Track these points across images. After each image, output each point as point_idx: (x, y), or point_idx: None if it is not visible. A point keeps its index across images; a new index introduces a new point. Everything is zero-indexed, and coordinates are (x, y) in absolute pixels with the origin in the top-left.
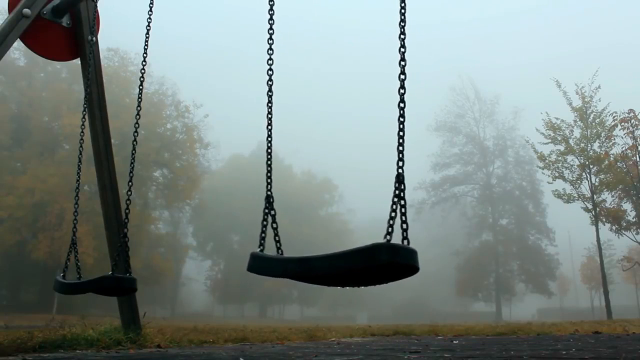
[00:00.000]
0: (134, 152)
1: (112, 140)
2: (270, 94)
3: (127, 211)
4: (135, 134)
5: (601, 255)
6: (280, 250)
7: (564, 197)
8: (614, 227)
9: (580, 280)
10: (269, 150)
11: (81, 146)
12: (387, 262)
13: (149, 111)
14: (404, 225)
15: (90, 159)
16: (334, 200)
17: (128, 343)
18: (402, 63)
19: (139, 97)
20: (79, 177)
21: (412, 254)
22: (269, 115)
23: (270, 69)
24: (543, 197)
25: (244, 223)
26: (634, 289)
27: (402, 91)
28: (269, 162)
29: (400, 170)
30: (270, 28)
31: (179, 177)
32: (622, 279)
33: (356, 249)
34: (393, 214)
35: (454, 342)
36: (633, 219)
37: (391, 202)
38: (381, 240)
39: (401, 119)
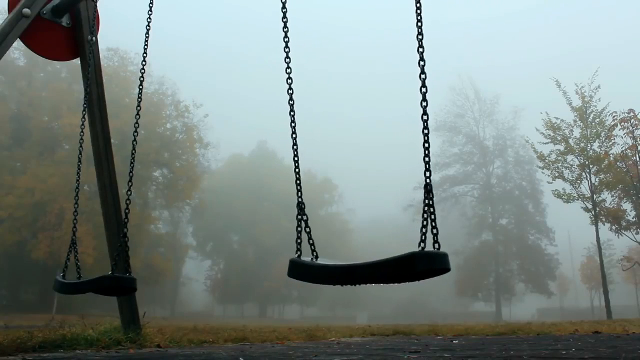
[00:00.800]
0: (134, 152)
1: (112, 140)
2: (291, 102)
3: (127, 211)
4: (135, 134)
5: (601, 255)
6: (315, 253)
7: (564, 197)
8: (614, 227)
9: (580, 280)
10: (296, 159)
11: (81, 146)
12: (425, 268)
13: (149, 111)
14: (434, 231)
15: (90, 159)
16: (334, 200)
17: (128, 343)
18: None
19: (139, 97)
20: (79, 177)
21: (445, 258)
22: (293, 124)
23: (290, 78)
24: (543, 197)
25: (244, 223)
26: (634, 289)
27: (424, 104)
28: (297, 170)
29: (428, 181)
30: (286, 36)
31: (179, 177)
32: (622, 279)
33: (396, 257)
34: (425, 223)
35: (454, 342)
36: (633, 219)
37: (422, 212)
38: (413, 248)
39: (425, 132)
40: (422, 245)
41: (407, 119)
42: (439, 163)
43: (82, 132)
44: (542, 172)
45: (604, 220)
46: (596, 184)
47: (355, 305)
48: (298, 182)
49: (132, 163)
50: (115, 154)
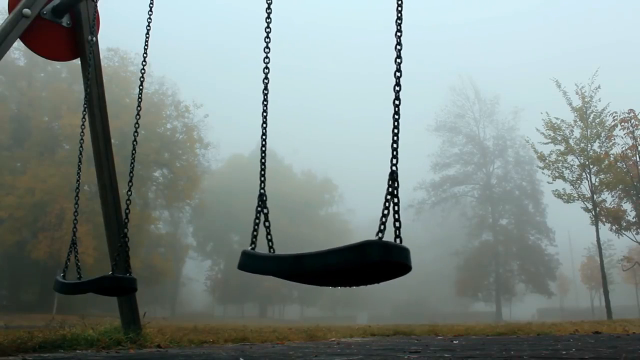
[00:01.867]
0: (134, 152)
1: (112, 140)
2: (265, 92)
3: (127, 211)
4: (135, 134)
5: (601, 255)
6: (272, 249)
7: (564, 197)
8: (614, 227)
9: (580, 280)
10: (263, 149)
11: (81, 146)
12: (379, 259)
13: (149, 111)
14: (397, 224)
15: (90, 159)
16: (334, 200)
17: (128, 343)
18: (398, 60)
19: (139, 97)
20: (79, 177)
21: (404, 252)
22: (264, 114)
23: (267, 67)
24: (543, 197)
25: (244, 223)
26: (634, 289)
27: (397, 88)
28: (262, 161)
29: (394, 168)
30: (268, 26)
31: (179, 177)
32: (622, 279)
33: (348, 245)
34: (386, 212)
35: (454, 342)
36: (633, 219)
37: (384, 200)
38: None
39: (396, 117)
40: (380, 235)
41: (407, 119)
42: (439, 163)
43: (82, 132)
44: (542, 172)
45: (604, 220)
46: (596, 184)
47: (355, 305)
48: (262, 172)
49: (132, 163)
50: (115, 154)
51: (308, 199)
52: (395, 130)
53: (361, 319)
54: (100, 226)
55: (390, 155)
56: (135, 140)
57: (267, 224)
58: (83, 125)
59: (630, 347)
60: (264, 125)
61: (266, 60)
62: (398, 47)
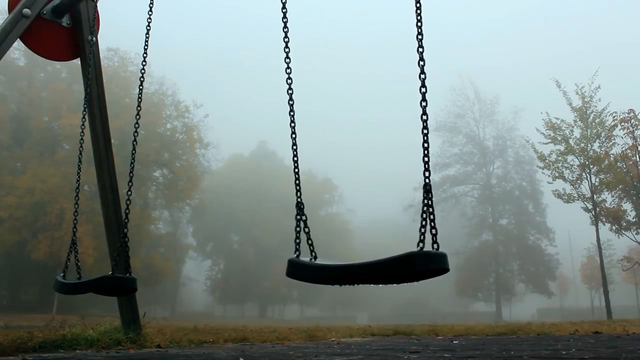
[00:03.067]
0: (134, 152)
1: (112, 140)
2: (291, 102)
3: (127, 211)
4: (135, 134)
5: (601, 255)
6: (313, 253)
7: (564, 197)
8: (614, 227)
9: (580, 280)
10: (296, 159)
11: (81, 146)
12: (423, 268)
13: (149, 111)
14: (433, 231)
15: (90, 159)
16: (334, 200)
17: (128, 343)
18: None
19: (139, 97)
20: (79, 177)
21: (443, 258)
22: (292, 124)
23: (290, 78)
24: (543, 197)
25: (243, 223)
26: (634, 289)
27: (424, 104)
28: (296, 170)
29: (427, 180)
30: (286, 36)
31: (179, 177)
32: (622, 279)
33: (394, 257)
34: (424, 222)
35: (454, 342)
36: (633, 219)
37: (421, 212)
38: (413, 248)
39: (425, 131)
40: (421, 244)
41: (407, 119)
42: (439, 163)
43: (82, 132)
44: (542, 172)
45: (604, 220)
46: (596, 184)
47: (355, 305)
48: (297, 182)
49: (132, 163)
50: (115, 154)
51: (308, 199)
52: (426, 145)
53: (361, 319)
54: (100, 226)
55: (423, 169)
56: (135, 140)
57: (307, 230)
58: (83, 125)
59: (630, 347)
60: (294, 135)
61: (288, 70)
62: (421, 62)
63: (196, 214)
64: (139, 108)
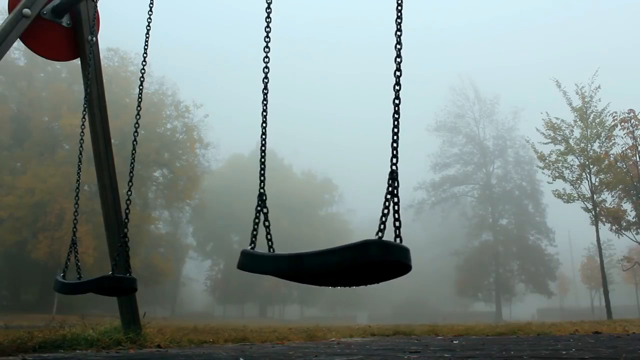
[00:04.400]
0: (134, 152)
1: (112, 140)
2: (265, 91)
3: (127, 211)
4: (135, 134)
5: (601, 255)
6: (271, 249)
7: (564, 197)
8: (614, 227)
9: (580, 280)
10: (263, 148)
11: (81, 146)
12: (378, 259)
13: (149, 111)
14: (397, 223)
15: (90, 159)
16: (334, 200)
17: (128, 343)
18: (398, 59)
19: (139, 97)
20: (79, 177)
21: (404, 252)
22: (264, 113)
23: (267, 67)
24: (543, 197)
25: (244, 223)
26: (634, 289)
27: (397, 87)
28: (262, 160)
29: (394, 167)
30: (267, 26)
31: (179, 177)
32: (622, 279)
33: (347, 245)
34: (385, 211)
35: (454, 342)
36: (633, 219)
37: (384, 199)
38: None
39: (396, 116)
40: (380, 234)
41: (407, 118)
42: (439, 163)
43: (82, 132)
44: (542, 172)
45: (604, 220)
46: (596, 184)
47: (355, 305)
48: (262, 172)
49: (132, 163)
50: (115, 154)
51: (308, 199)
52: (395, 130)
53: (361, 319)
54: (100, 226)
55: (391, 155)
56: (135, 140)
57: (266, 223)
58: (83, 125)
59: (630, 347)
60: (264, 125)
61: (266, 59)
62: (398, 46)
63: (196, 214)
64: (139, 108)
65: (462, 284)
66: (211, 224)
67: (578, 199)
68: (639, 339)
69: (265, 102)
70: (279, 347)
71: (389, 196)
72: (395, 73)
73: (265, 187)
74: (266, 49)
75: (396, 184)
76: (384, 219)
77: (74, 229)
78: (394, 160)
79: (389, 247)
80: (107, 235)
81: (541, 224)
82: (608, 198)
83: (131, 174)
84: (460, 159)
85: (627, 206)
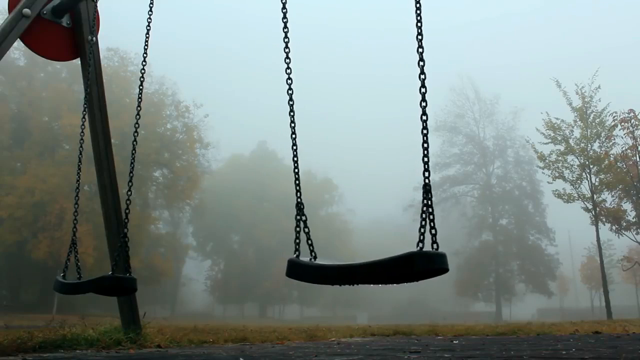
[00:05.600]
0: (134, 152)
1: (112, 140)
2: (291, 102)
3: (127, 211)
4: (135, 134)
5: (601, 255)
6: (313, 253)
7: (564, 197)
8: (614, 227)
9: (580, 280)
10: (296, 159)
11: (81, 146)
12: (423, 268)
13: (149, 111)
14: (433, 231)
15: (90, 159)
16: (334, 200)
17: (128, 343)
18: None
19: (139, 97)
20: (79, 177)
21: (442, 258)
22: (292, 124)
23: (290, 78)
24: (543, 197)
25: (244, 223)
26: (634, 289)
27: (423, 104)
28: (296, 171)
29: (427, 181)
30: (286, 36)
31: (179, 177)
32: (622, 279)
33: (393, 258)
34: (423, 223)
35: (454, 342)
36: (633, 219)
37: (421, 212)
38: (413, 248)
39: (424, 132)
40: (421, 245)
41: (407, 119)
42: (439, 163)
43: (82, 132)
44: (542, 172)
45: (604, 220)
46: (596, 184)
47: (355, 305)
48: (297, 182)
49: (132, 163)
50: (115, 154)
51: (308, 199)
52: (425, 145)
53: (361, 319)
54: (100, 226)
55: (423, 169)
56: (135, 140)
57: (306, 230)
58: (83, 125)
59: (630, 347)
60: (294, 136)
61: (288, 71)
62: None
63: (196, 214)
64: (139, 108)
65: (462, 284)
66: (211, 224)
67: (578, 199)
68: (639, 339)
69: (292, 114)
70: (279, 347)
71: (424, 208)
72: (420, 90)
73: (301, 197)
74: (287, 60)
75: (430, 196)
76: (422, 229)
77: (74, 229)
78: (426, 174)
79: (431, 257)
80: (107, 235)
81: (541, 224)
82: (608, 198)
83: (131, 174)
84: (460, 159)
85: (627, 206)
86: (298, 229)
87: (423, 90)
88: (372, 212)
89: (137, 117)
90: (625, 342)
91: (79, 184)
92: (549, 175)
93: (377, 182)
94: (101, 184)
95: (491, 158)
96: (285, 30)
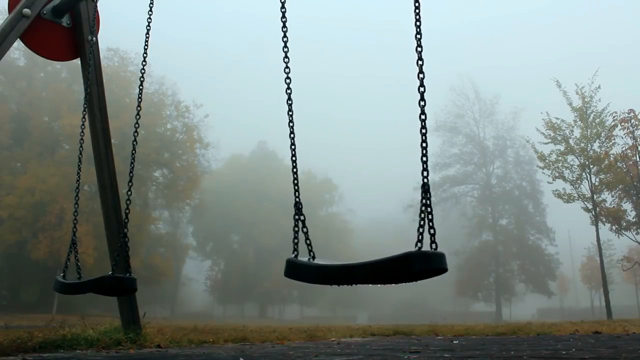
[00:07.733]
0: (134, 152)
1: (112, 140)
2: (290, 102)
3: (127, 211)
4: (135, 134)
5: (601, 255)
6: (312, 253)
7: (564, 197)
8: (614, 227)
9: (580, 280)
10: (294, 159)
11: (81, 146)
12: (421, 268)
13: (149, 111)
14: (431, 231)
15: (90, 159)
16: (334, 200)
17: (128, 343)
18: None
19: (139, 97)
20: (79, 177)
21: (441, 258)
22: (291, 124)
23: (288, 78)
24: (543, 197)
25: (244, 223)
26: (634, 289)
27: (422, 103)
28: (294, 170)
29: (425, 180)
30: (285, 36)
31: (179, 177)
32: (622, 279)
33: (392, 258)
34: (422, 222)
35: (454, 342)
36: (633, 219)
37: (419, 211)
38: (412, 248)
39: (423, 131)
40: (419, 244)
41: (407, 119)
42: (439, 163)
43: (82, 132)
44: (542, 172)
45: (604, 220)
46: (596, 184)
47: (355, 305)
48: (296, 181)
49: (132, 163)
50: (115, 154)
51: (308, 199)
52: (424, 144)
53: (361, 319)
54: (100, 226)
55: (421, 169)
56: (135, 140)
57: (304, 229)
58: (83, 125)
59: (630, 347)
60: (292, 135)
61: (287, 70)
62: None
63: (196, 214)
64: (139, 108)
65: (462, 284)
66: (211, 224)
67: (578, 199)
68: (639, 339)
69: (290, 114)
70: (279, 347)
71: (423, 207)
72: (419, 89)
73: (300, 196)
74: (285, 59)
75: (429, 196)
76: (421, 229)
77: (74, 229)
78: (425, 174)
79: (429, 257)
80: (107, 235)
81: (541, 223)
82: (608, 198)
83: (131, 174)
84: (460, 159)
85: (627, 206)
86: (296, 228)
87: (422, 89)
88: (372, 212)
89: (137, 117)
90: (625, 342)
91: (79, 184)
92: (549, 175)
93: (377, 182)
94: (101, 184)
95: (491, 158)
96: (284, 30)
